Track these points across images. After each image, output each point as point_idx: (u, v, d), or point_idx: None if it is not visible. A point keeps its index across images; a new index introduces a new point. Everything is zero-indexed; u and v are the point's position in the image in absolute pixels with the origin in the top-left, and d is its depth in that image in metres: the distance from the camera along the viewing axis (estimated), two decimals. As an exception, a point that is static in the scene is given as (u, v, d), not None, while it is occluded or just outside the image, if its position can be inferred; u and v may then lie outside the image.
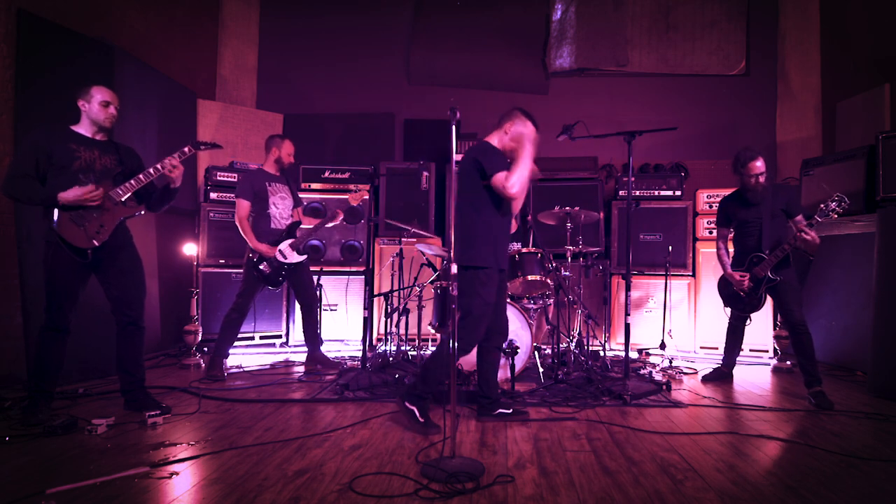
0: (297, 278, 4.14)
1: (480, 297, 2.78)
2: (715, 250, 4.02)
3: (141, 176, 2.91)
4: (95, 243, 2.80)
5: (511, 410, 3.01)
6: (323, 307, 4.74)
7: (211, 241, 4.89)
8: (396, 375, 3.72)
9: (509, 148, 2.89)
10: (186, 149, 3.03)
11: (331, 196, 5.23)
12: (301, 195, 4.65)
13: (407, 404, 2.79)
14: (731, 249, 3.91)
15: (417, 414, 2.76)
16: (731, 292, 3.81)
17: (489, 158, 2.81)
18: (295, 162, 4.26)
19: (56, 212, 2.72)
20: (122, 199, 2.88)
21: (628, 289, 3.63)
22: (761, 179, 3.57)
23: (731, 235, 3.89)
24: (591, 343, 4.49)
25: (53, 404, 2.91)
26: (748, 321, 3.98)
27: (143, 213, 3.03)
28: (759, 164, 3.56)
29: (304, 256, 4.12)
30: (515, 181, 2.72)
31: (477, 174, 2.82)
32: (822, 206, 3.32)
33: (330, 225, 4.24)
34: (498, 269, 2.88)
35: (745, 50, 6.06)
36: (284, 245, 4.00)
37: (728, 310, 3.97)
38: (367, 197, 4.55)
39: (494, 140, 2.94)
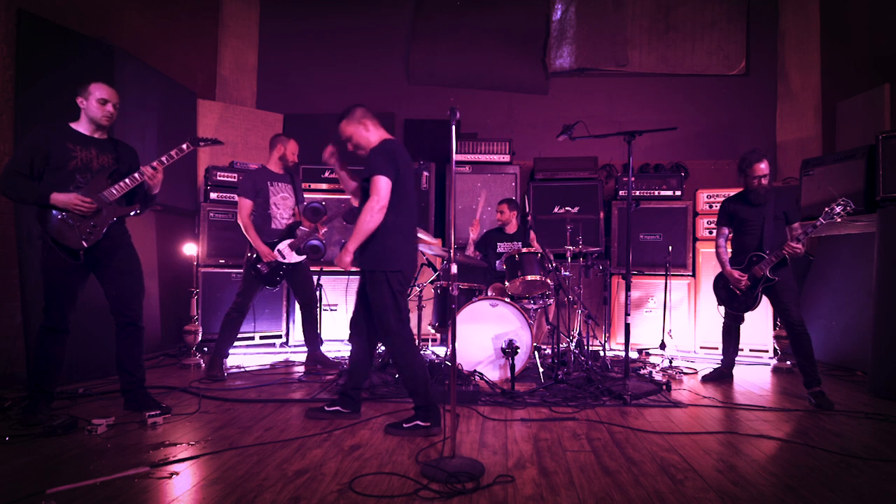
0: (297, 278, 4.14)
1: None
2: (714, 249, 4.03)
3: (127, 180, 2.87)
4: (85, 244, 2.77)
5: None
6: (323, 307, 4.74)
7: (211, 241, 4.89)
8: (396, 375, 3.72)
9: None
10: (185, 145, 3.01)
11: (331, 196, 5.23)
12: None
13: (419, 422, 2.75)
14: (730, 249, 3.92)
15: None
16: (727, 291, 3.82)
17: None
18: (297, 162, 4.28)
19: (48, 213, 2.71)
20: (114, 200, 2.87)
21: (628, 289, 3.63)
22: (764, 181, 3.63)
23: (731, 236, 3.90)
24: (591, 343, 4.49)
25: (53, 404, 2.91)
26: (742, 321, 3.99)
27: (134, 213, 3.00)
28: (763, 166, 3.62)
29: (304, 257, 4.11)
30: None
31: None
32: (826, 209, 3.32)
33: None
34: None
35: (745, 50, 6.07)
36: (283, 245, 4.00)
37: (721, 309, 3.98)
38: None
39: None
